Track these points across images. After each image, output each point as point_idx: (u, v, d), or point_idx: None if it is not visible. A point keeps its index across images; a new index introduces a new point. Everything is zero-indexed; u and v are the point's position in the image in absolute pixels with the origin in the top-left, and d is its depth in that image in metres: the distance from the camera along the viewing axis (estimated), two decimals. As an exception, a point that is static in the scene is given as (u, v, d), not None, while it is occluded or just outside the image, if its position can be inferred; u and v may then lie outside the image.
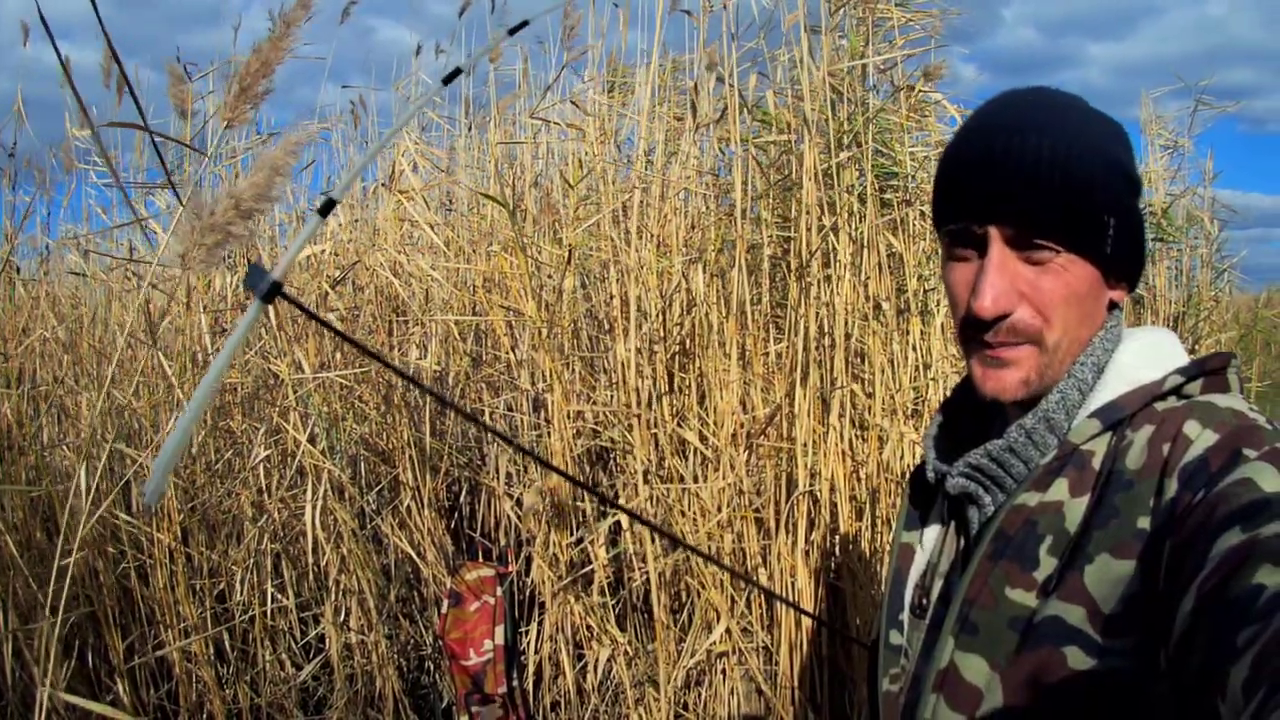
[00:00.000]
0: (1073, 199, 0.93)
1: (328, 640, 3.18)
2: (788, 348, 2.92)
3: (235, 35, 3.94)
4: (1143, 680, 0.82)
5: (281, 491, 3.18)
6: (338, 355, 3.38)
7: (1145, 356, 1.00)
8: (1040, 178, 0.93)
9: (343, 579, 3.18)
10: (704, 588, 2.89)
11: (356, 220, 3.94)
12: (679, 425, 3.01)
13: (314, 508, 3.00)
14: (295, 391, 3.09)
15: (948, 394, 1.16)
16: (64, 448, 3.40)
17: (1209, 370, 0.96)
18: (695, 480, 2.96)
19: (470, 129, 4.11)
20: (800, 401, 2.85)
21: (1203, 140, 4.78)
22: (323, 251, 3.35)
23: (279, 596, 3.23)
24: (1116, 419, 0.94)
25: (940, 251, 1.06)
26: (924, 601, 1.06)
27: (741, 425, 2.93)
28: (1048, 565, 0.91)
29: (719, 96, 3.14)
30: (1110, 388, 0.97)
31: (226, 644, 3.22)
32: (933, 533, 1.11)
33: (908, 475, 1.23)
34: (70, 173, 3.81)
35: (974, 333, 0.99)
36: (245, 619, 3.23)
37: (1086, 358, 0.99)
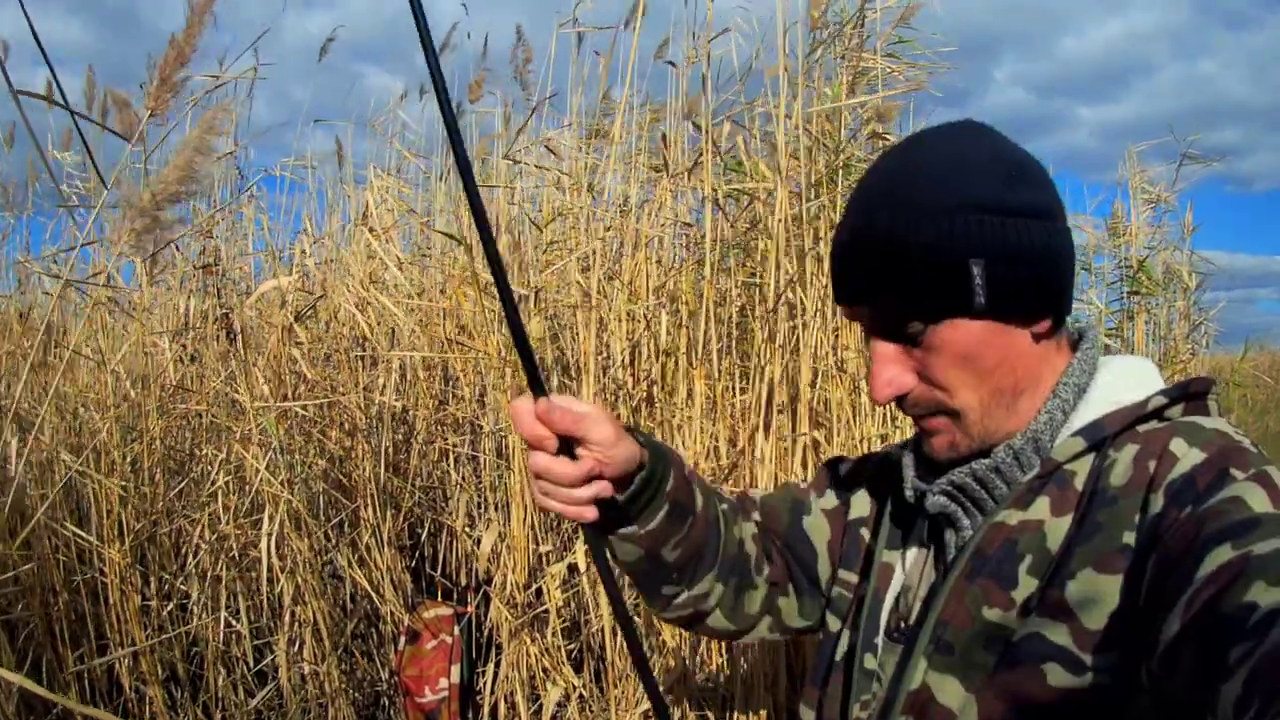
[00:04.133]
0: (919, 272, 0.92)
1: (279, 669, 3.15)
2: (753, 396, 2.90)
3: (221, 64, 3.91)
4: (1124, 695, 0.81)
5: (238, 518, 3.16)
6: (300, 388, 3.36)
7: (1127, 379, 0.99)
8: (872, 260, 0.94)
9: (298, 609, 3.15)
10: (659, 633, 2.87)
11: (331, 261, 3.94)
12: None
13: (270, 536, 2.98)
14: (257, 420, 3.08)
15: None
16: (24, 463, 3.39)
17: (1191, 394, 0.95)
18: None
19: (447, 174, 4.12)
20: (762, 449, 2.83)
21: (1188, 199, 4.78)
22: (289, 284, 3.34)
23: (233, 622, 3.20)
24: (1100, 437, 0.93)
25: None
26: (901, 625, 1.04)
27: (705, 472, 2.91)
28: (1027, 585, 0.90)
29: (696, 147, 3.14)
30: (1093, 408, 0.97)
31: (178, 667, 3.21)
32: (912, 554, 1.09)
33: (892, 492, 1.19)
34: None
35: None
36: (195, 642, 3.22)
37: (1068, 379, 0.98)
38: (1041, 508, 0.93)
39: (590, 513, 0.98)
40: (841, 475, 1.25)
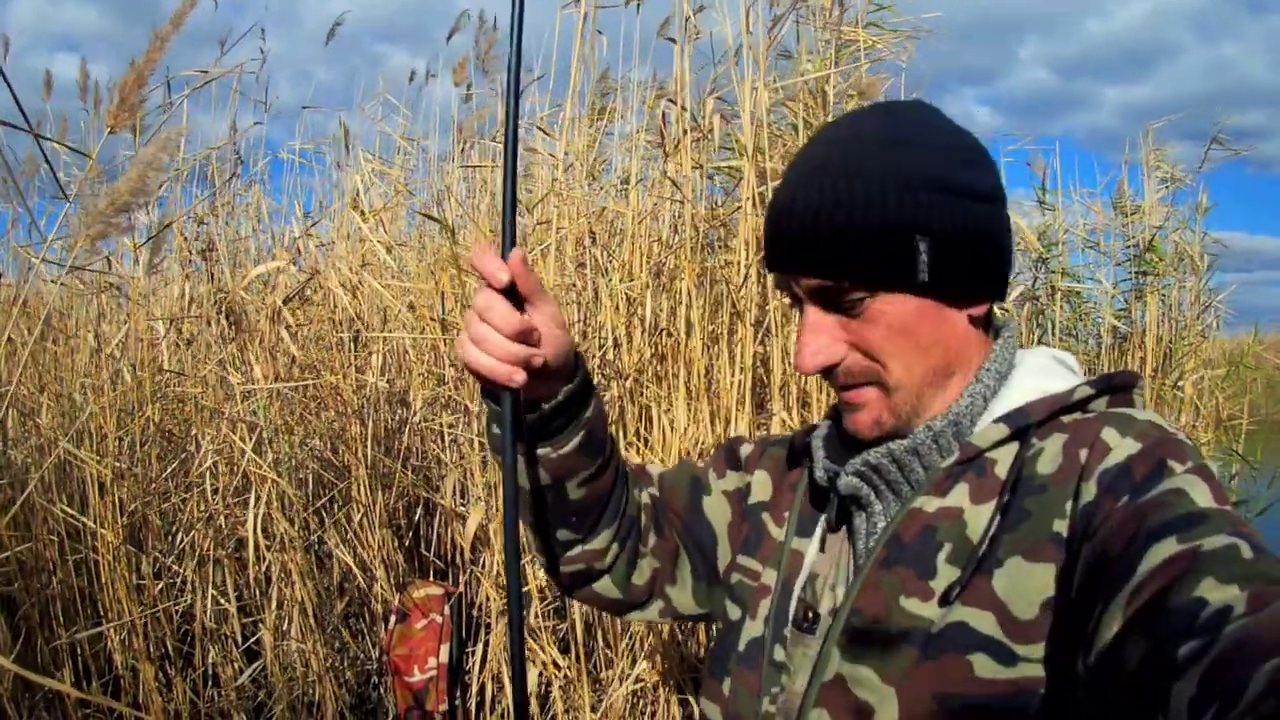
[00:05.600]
0: (866, 240, 0.89)
1: (264, 646, 3.19)
2: (731, 376, 2.90)
3: (220, 47, 3.94)
4: (1056, 687, 0.79)
5: (227, 497, 3.19)
6: (294, 370, 3.39)
7: (1048, 369, 0.97)
8: (820, 225, 0.90)
9: (285, 588, 3.18)
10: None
11: (323, 245, 3.97)
12: (626, 449, 3.00)
13: (255, 515, 3.01)
14: (244, 401, 3.11)
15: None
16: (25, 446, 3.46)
17: (1116, 386, 0.93)
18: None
19: (438, 156, 4.13)
20: (744, 429, 2.83)
21: (1212, 181, 4.70)
22: (280, 268, 3.37)
23: (221, 600, 3.24)
24: (1023, 425, 0.90)
25: None
26: (810, 615, 0.99)
27: (687, 453, 2.91)
28: (947, 574, 0.87)
29: (691, 124, 3.13)
30: (1015, 395, 0.94)
31: (169, 644, 3.26)
32: (820, 540, 1.04)
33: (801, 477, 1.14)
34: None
35: (826, 380, 0.96)
36: (187, 620, 3.27)
37: (990, 365, 0.96)
38: (960, 495, 0.90)
39: (520, 375, 0.92)
40: (742, 457, 1.21)
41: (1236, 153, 4.66)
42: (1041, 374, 0.97)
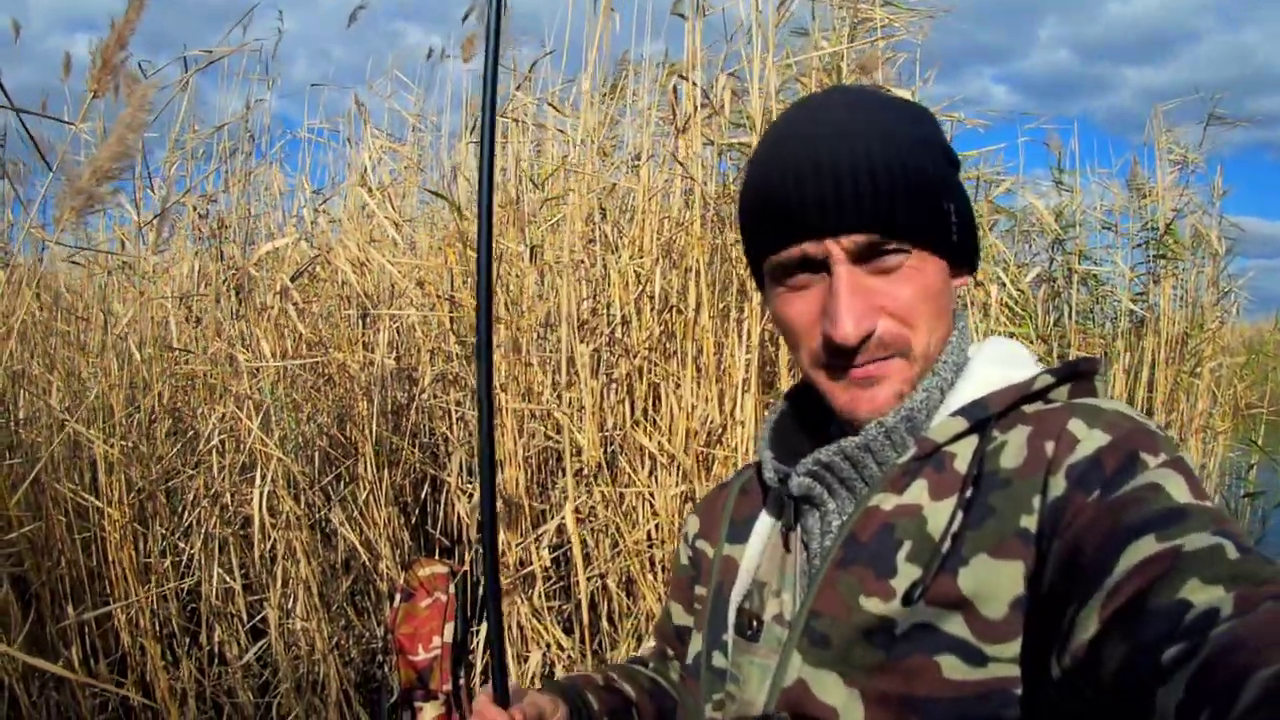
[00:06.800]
0: (911, 193, 0.87)
1: (269, 625, 3.18)
2: (740, 356, 2.87)
3: (243, 31, 3.91)
4: (1030, 688, 0.76)
5: (234, 475, 3.19)
6: (302, 348, 3.38)
7: (1003, 358, 0.95)
8: (878, 178, 0.86)
9: (290, 566, 3.18)
10: (644, 597, 2.85)
11: (334, 221, 3.95)
12: (633, 428, 2.98)
13: (261, 494, 3.00)
14: (253, 378, 3.10)
15: (778, 399, 1.09)
16: (36, 425, 3.46)
17: (1079, 374, 0.90)
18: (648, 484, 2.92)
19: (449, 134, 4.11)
20: (749, 410, 2.80)
21: (1218, 163, 4.63)
22: (291, 244, 3.36)
23: (227, 579, 3.23)
24: (982, 418, 0.88)
25: (764, 288, 0.98)
26: (754, 622, 0.96)
27: (694, 433, 2.88)
28: (907, 573, 0.83)
29: (703, 100, 3.10)
30: (973, 385, 0.92)
31: (174, 623, 3.26)
32: (758, 544, 1.02)
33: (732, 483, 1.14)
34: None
35: (835, 360, 0.90)
36: (193, 598, 3.28)
37: (948, 356, 0.93)
38: (919, 491, 0.87)
39: None
40: (681, 561, 1.20)
41: (1234, 125, 4.61)
42: (999, 363, 0.94)
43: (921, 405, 0.91)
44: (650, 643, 1.27)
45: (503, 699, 0.99)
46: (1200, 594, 0.60)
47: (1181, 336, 4.49)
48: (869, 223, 0.86)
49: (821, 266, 0.89)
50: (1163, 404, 4.39)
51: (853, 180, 0.86)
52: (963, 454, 0.87)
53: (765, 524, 1.03)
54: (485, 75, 0.88)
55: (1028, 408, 0.88)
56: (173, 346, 3.44)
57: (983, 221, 3.51)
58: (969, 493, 0.84)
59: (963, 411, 0.89)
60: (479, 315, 0.86)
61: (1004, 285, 3.51)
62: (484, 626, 3.18)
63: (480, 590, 3.09)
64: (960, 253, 0.92)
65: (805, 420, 1.06)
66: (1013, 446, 0.84)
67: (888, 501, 0.88)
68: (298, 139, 4.33)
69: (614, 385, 3.08)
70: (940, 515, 0.85)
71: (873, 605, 0.84)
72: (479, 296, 0.84)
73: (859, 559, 0.87)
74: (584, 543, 2.95)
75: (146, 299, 3.47)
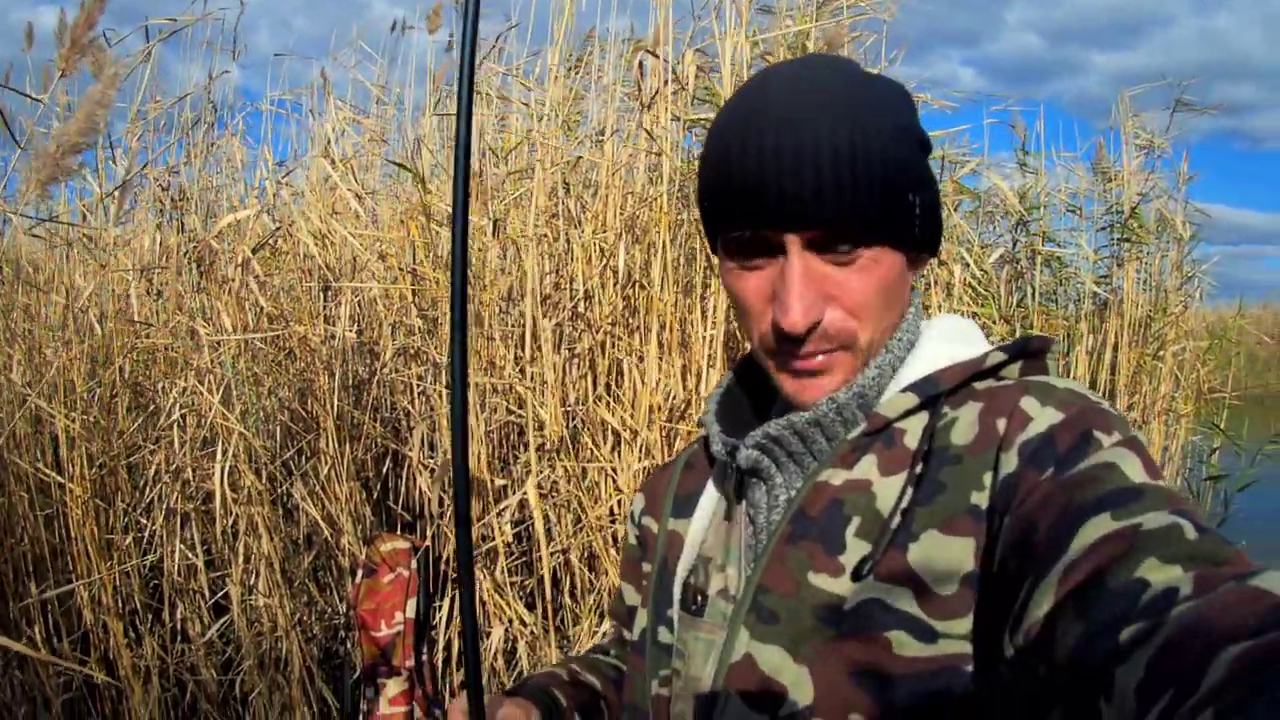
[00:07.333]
0: (876, 189, 0.84)
1: (231, 601, 3.17)
2: (703, 331, 2.87)
3: (205, 2, 3.86)
4: (981, 663, 0.76)
5: (195, 450, 3.17)
6: (264, 321, 3.36)
7: (953, 335, 0.94)
8: (840, 173, 0.83)
9: (251, 542, 3.16)
10: (607, 573, 2.86)
11: (297, 194, 3.92)
12: (595, 403, 2.98)
13: (222, 469, 2.98)
14: (214, 351, 3.07)
15: (727, 372, 1.08)
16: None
17: (1031, 352, 0.90)
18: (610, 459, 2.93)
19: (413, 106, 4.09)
20: (713, 385, 2.80)
21: (1184, 150, 4.67)
22: (252, 216, 3.33)
23: (189, 555, 3.21)
24: (933, 394, 0.87)
25: (717, 253, 0.96)
26: (699, 598, 0.96)
27: (657, 408, 2.89)
28: (856, 549, 0.83)
29: (670, 76, 3.09)
30: (924, 362, 0.91)
31: (137, 600, 3.24)
32: (703, 518, 1.01)
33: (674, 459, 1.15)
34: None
35: (782, 345, 0.89)
36: (155, 575, 3.26)
37: (901, 334, 0.93)
38: (868, 467, 0.87)
39: None
40: (631, 541, 1.20)
41: (1201, 112, 4.65)
42: (949, 340, 0.94)
43: (873, 382, 0.91)
44: (608, 627, 1.28)
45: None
46: (1158, 573, 0.60)
47: (1145, 320, 4.53)
48: (831, 219, 0.85)
49: (778, 250, 0.87)
50: (1125, 386, 4.43)
51: (819, 175, 0.83)
52: (913, 430, 0.87)
53: (710, 498, 1.02)
54: (462, 54, 0.85)
55: (979, 384, 0.89)
56: (134, 320, 3.41)
57: (947, 201, 3.53)
58: (919, 468, 0.83)
59: (913, 387, 0.89)
60: (452, 306, 0.82)
61: (968, 265, 3.53)
62: (447, 602, 3.19)
63: (443, 567, 3.09)
64: (921, 243, 0.91)
65: (753, 392, 1.05)
66: (964, 423, 0.85)
67: (837, 477, 0.88)
68: (259, 110, 4.31)
69: (577, 360, 3.08)
70: (890, 491, 0.84)
71: (822, 581, 0.84)
72: (453, 281, 0.80)
73: (808, 534, 0.87)
74: (546, 518, 2.95)
75: (108, 271, 3.45)
